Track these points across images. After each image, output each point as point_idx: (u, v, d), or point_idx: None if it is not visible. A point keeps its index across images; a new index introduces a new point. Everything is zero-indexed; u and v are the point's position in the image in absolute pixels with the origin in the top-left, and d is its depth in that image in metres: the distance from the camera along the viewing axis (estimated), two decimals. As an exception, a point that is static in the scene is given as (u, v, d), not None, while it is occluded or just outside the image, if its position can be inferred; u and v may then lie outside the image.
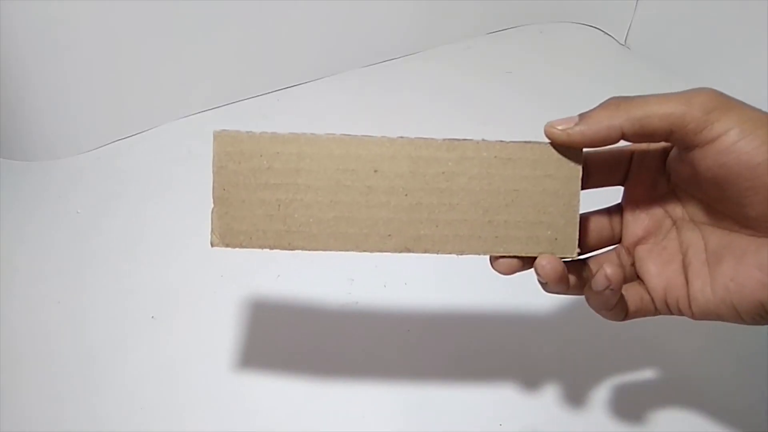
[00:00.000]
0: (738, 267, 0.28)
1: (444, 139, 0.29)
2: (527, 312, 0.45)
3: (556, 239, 0.29)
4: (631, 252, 0.33)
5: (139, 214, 0.54)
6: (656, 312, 0.32)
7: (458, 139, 0.29)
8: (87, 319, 0.46)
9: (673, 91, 0.29)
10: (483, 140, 0.29)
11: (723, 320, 0.29)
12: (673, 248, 0.31)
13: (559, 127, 0.28)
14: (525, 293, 0.46)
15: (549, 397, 0.40)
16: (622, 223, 0.33)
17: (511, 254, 0.29)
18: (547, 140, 0.29)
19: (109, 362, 0.43)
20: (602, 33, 0.74)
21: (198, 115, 0.63)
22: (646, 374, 0.42)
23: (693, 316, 0.30)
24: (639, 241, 0.32)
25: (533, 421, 0.39)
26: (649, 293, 0.32)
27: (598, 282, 0.29)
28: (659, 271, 0.31)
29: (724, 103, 0.27)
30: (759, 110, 0.27)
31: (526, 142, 0.29)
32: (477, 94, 0.65)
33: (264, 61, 0.64)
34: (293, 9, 0.62)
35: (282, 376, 0.43)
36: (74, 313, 0.47)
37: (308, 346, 0.44)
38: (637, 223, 0.32)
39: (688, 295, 0.30)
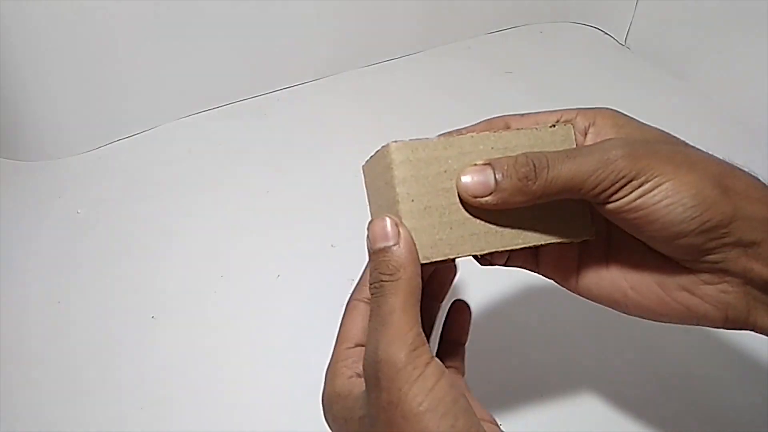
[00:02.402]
0: (638, 277, 0.29)
1: (439, 137, 0.29)
2: (527, 312, 0.45)
3: (568, 222, 0.28)
4: None
5: (139, 213, 0.54)
6: (536, 271, 0.32)
7: (453, 135, 0.29)
8: (87, 319, 0.46)
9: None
10: (477, 133, 0.28)
11: (610, 308, 0.30)
12: None
13: (472, 196, 0.27)
14: (525, 293, 0.46)
15: (549, 397, 0.40)
16: None
17: (530, 244, 0.28)
18: (538, 125, 0.29)
19: (109, 362, 0.43)
20: (602, 33, 0.74)
21: (198, 115, 0.63)
22: (647, 374, 0.42)
23: (575, 292, 0.31)
24: None
25: (533, 421, 0.39)
26: (536, 256, 0.32)
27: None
28: (552, 249, 0.31)
29: (632, 163, 0.25)
30: (677, 151, 0.27)
31: (518, 129, 0.29)
32: (477, 94, 0.65)
33: (264, 61, 0.64)
34: (293, 9, 0.62)
35: (282, 376, 0.43)
36: (74, 312, 0.47)
37: (308, 346, 0.44)
38: None
39: (577, 279, 0.31)
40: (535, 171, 0.26)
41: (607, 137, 0.28)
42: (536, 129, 0.28)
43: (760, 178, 0.27)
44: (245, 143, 0.60)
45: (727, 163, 0.27)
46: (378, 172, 0.28)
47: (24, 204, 0.55)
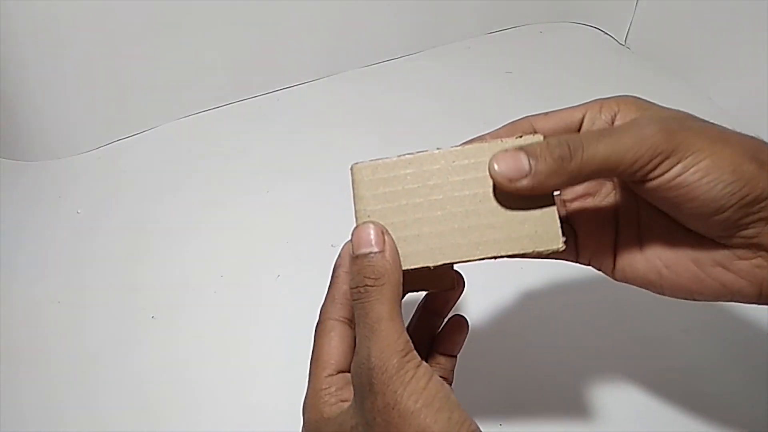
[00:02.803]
0: (673, 256, 0.29)
1: (400, 156, 0.29)
2: (527, 311, 0.45)
3: (536, 232, 0.27)
4: (566, 205, 0.33)
5: (138, 214, 0.54)
6: (576, 261, 0.32)
7: (413, 153, 0.29)
8: (87, 319, 0.46)
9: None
10: (438, 149, 0.28)
11: (645, 289, 0.30)
12: (608, 212, 0.31)
13: (506, 176, 0.26)
14: (525, 293, 0.46)
15: (549, 397, 0.40)
16: None
17: (490, 256, 0.28)
18: (503, 138, 0.28)
19: (109, 362, 0.43)
20: (602, 33, 0.74)
21: (198, 115, 0.63)
22: (647, 375, 0.42)
23: (613, 278, 0.31)
24: (576, 198, 0.32)
25: (533, 421, 0.39)
26: (575, 244, 0.32)
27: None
28: (590, 231, 0.32)
29: (668, 138, 0.25)
30: (707, 126, 0.26)
31: (481, 143, 0.28)
32: (477, 94, 0.65)
33: (264, 61, 0.64)
34: (293, 9, 0.62)
35: (282, 376, 0.43)
36: (74, 313, 0.47)
37: (308, 346, 0.44)
38: None
39: (614, 264, 0.31)
40: (570, 151, 0.25)
41: (636, 116, 0.28)
42: (501, 141, 0.28)
43: None
44: (245, 143, 0.60)
45: (757, 138, 0.27)
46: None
47: (24, 204, 0.55)
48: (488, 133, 0.31)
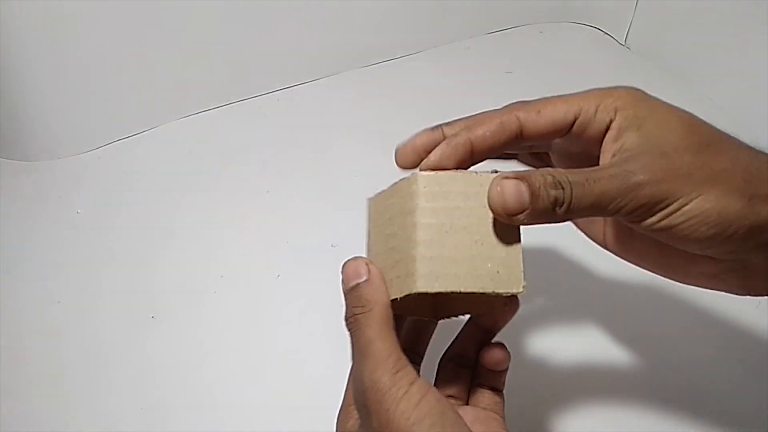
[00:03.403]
0: (665, 257, 0.30)
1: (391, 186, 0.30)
2: (527, 311, 0.45)
3: (498, 273, 0.27)
4: None
5: (139, 214, 0.54)
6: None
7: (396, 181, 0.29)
8: (87, 319, 0.46)
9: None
10: (413, 173, 0.28)
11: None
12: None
13: (507, 213, 0.26)
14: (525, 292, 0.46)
15: (549, 397, 0.40)
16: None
17: (449, 290, 0.26)
18: (481, 170, 0.28)
19: (109, 362, 0.43)
20: (602, 33, 0.74)
21: (198, 115, 0.63)
22: (647, 373, 0.42)
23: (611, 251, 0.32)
24: None
25: (533, 421, 0.39)
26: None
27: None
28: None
29: (654, 187, 0.25)
30: (699, 164, 0.26)
31: (456, 171, 0.28)
32: (477, 94, 0.65)
33: (264, 61, 0.64)
34: (293, 9, 0.62)
35: (282, 376, 0.43)
36: (74, 312, 0.47)
37: (308, 346, 0.44)
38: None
39: (605, 245, 0.32)
40: (563, 195, 0.25)
41: (629, 138, 0.27)
42: (476, 174, 0.28)
43: None
44: (245, 143, 0.60)
45: (757, 159, 0.26)
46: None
47: (24, 204, 0.55)
48: (472, 129, 0.30)
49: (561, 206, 0.25)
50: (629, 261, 0.32)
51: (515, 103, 0.30)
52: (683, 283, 0.31)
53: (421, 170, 0.29)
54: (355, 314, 0.27)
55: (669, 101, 0.29)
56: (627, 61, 0.70)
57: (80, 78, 0.56)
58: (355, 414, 0.28)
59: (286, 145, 0.60)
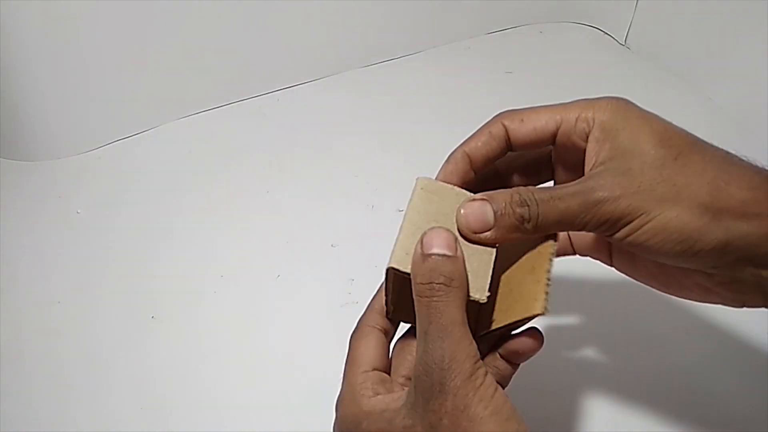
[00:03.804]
0: (660, 271, 0.31)
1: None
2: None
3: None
4: None
5: (139, 213, 0.54)
6: (574, 253, 0.35)
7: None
8: (87, 319, 0.46)
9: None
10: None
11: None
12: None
13: (472, 231, 0.28)
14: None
15: (549, 397, 0.40)
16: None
17: None
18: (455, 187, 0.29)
19: (109, 362, 0.43)
20: (602, 33, 0.74)
21: (198, 115, 0.63)
22: (647, 374, 0.42)
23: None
24: None
25: (532, 421, 0.39)
26: (570, 239, 0.35)
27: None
28: (584, 234, 0.34)
29: (614, 205, 0.26)
30: (660, 181, 0.26)
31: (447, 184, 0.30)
32: (477, 94, 0.65)
33: (264, 61, 0.64)
34: (293, 9, 0.62)
35: (282, 376, 0.43)
36: (74, 313, 0.47)
37: (308, 346, 0.44)
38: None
39: (611, 260, 0.34)
40: (529, 213, 0.27)
41: (603, 148, 0.28)
42: (458, 190, 0.29)
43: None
44: (245, 143, 0.60)
45: (727, 172, 0.26)
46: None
47: (24, 204, 0.55)
48: (464, 143, 0.31)
49: (528, 222, 0.27)
50: (634, 278, 0.33)
51: (503, 112, 0.31)
52: (682, 297, 0.32)
53: None
54: (441, 283, 0.26)
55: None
56: (627, 61, 0.70)
57: (80, 78, 0.56)
58: (380, 390, 0.28)
59: (286, 145, 0.60)
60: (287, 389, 0.42)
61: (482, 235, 0.27)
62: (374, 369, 0.30)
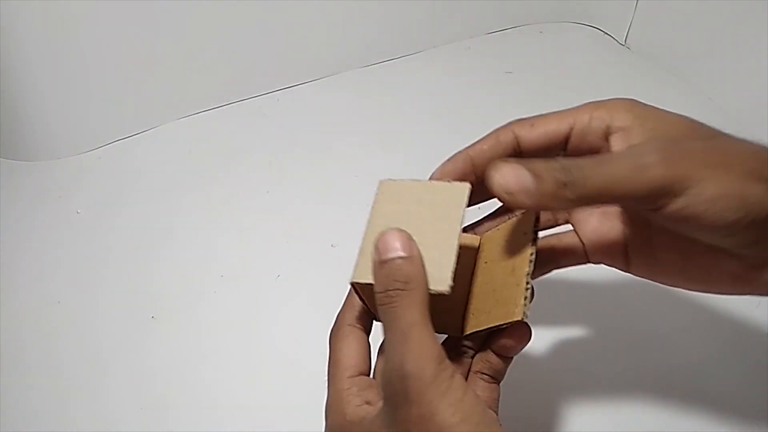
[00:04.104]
0: (685, 265, 0.29)
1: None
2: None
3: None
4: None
5: (139, 213, 0.54)
6: (587, 262, 0.32)
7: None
8: (87, 319, 0.46)
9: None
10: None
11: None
12: (615, 216, 0.31)
13: (507, 192, 0.24)
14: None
15: (549, 396, 0.40)
16: None
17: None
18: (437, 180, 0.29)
19: (109, 362, 0.43)
20: (602, 33, 0.74)
21: (198, 115, 0.63)
22: (647, 374, 0.42)
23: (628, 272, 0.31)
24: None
25: (532, 420, 0.39)
26: (583, 246, 0.32)
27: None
28: (599, 238, 0.32)
29: (669, 170, 0.24)
30: (709, 148, 0.25)
31: (415, 180, 0.29)
32: (477, 94, 0.65)
33: (264, 61, 0.64)
34: (293, 9, 0.62)
35: (282, 376, 0.43)
36: (74, 313, 0.47)
37: (308, 346, 0.44)
38: None
39: (628, 266, 0.31)
40: (572, 176, 0.24)
41: (633, 134, 0.27)
42: (431, 183, 0.29)
43: None
44: (245, 143, 0.60)
45: (762, 148, 0.26)
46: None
47: (24, 204, 0.55)
48: (470, 146, 0.30)
49: (570, 187, 0.24)
50: (653, 279, 0.31)
51: (514, 120, 0.30)
52: (708, 291, 0.29)
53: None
54: (397, 289, 0.25)
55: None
56: (627, 61, 0.70)
57: (80, 78, 0.56)
58: (369, 396, 0.27)
59: (286, 145, 0.60)
60: (287, 389, 0.42)
61: (519, 198, 0.24)
62: (360, 373, 0.29)
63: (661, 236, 0.29)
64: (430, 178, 0.31)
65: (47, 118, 0.57)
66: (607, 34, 0.74)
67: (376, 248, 0.26)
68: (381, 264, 0.26)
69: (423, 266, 0.26)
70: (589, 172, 0.24)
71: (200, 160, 0.59)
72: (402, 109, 0.64)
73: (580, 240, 0.33)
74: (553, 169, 0.24)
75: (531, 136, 0.29)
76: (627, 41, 0.72)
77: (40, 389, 0.42)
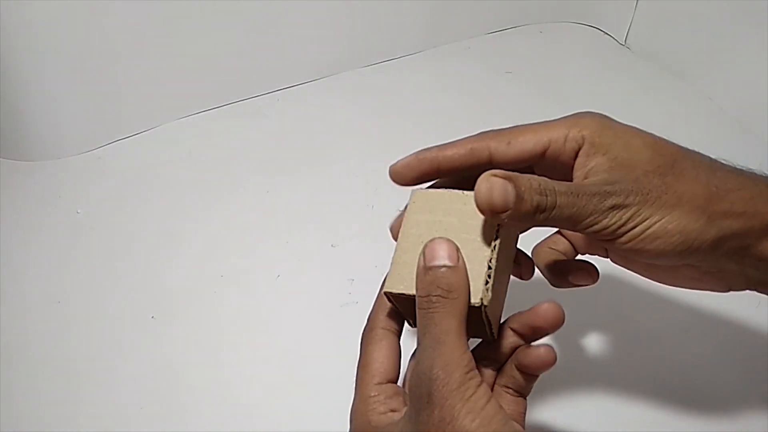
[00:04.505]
0: (649, 264, 0.32)
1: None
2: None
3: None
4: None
5: (138, 214, 0.54)
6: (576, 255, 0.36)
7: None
8: (87, 318, 0.46)
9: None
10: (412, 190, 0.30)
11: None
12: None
13: (490, 208, 0.26)
14: (524, 293, 0.46)
15: (548, 396, 0.40)
16: None
17: (408, 293, 0.28)
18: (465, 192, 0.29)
19: (109, 362, 0.43)
20: (602, 33, 0.74)
21: (198, 115, 0.63)
22: (647, 374, 0.42)
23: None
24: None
25: (533, 421, 0.39)
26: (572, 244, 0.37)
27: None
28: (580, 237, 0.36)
29: (621, 211, 0.27)
30: (663, 188, 0.28)
31: (446, 190, 0.30)
32: (477, 94, 0.65)
33: (264, 61, 0.64)
34: (293, 9, 0.62)
35: (282, 376, 0.43)
36: (74, 312, 0.47)
37: (308, 346, 0.44)
38: None
39: (607, 255, 0.35)
40: (546, 201, 0.26)
41: (598, 160, 0.29)
42: (462, 193, 0.29)
43: (756, 172, 0.30)
44: (245, 143, 0.60)
45: (716, 176, 0.28)
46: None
47: (24, 204, 0.55)
48: (441, 148, 0.31)
49: (542, 212, 0.26)
50: (629, 269, 0.34)
51: (488, 131, 0.31)
52: (672, 285, 0.33)
53: (391, 177, 0.31)
54: (439, 296, 0.26)
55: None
56: (627, 61, 0.70)
57: (80, 78, 0.56)
58: (394, 405, 0.28)
59: (286, 145, 0.60)
60: (287, 389, 0.42)
61: (499, 215, 0.26)
62: (389, 381, 0.29)
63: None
64: (392, 168, 0.32)
65: (47, 118, 0.57)
66: (607, 34, 0.74)
67: (423, 255, 0.27)
68: (426, 270, 0.27)
69: (467, 278, 0.27)
70: (564, 201, 0.26)
71: (200, 160, 0.59)
72: (402, 109, 0.64)
73: (568, 240, 0.37)
74: (533, 190, 0.26)
75: (507, 155, 0.30)
76: (627, 41, 0.72)
77: (41, 389, 0.42)
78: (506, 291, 0.31)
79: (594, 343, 0.43)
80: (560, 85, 0.67)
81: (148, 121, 0.62)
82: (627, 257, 0.33)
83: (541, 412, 0.40)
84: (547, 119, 0.30)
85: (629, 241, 0.27)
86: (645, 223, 0.27)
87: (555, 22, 0.76)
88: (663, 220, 0.27)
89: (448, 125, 0.60)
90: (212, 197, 0.55)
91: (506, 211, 0.25)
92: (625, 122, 0.30)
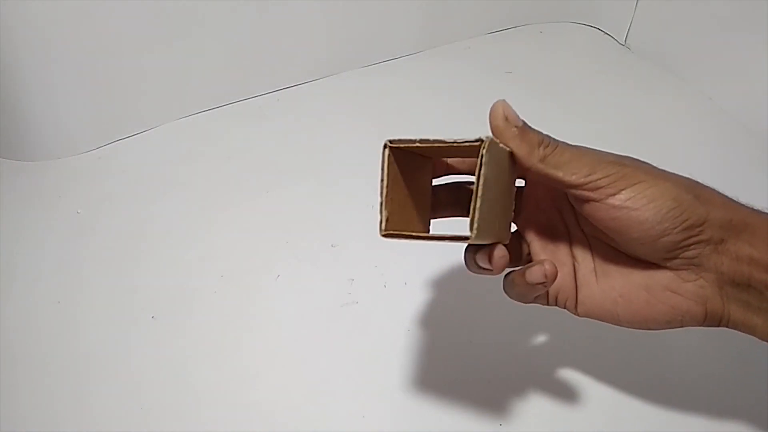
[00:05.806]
0: (626, 284, 0.32)
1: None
2: (527, 312, 0.45)
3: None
4: (524, 236, 0.35)
5: (138, 214, 0.54)
6: (546, 303, 0.34)
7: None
8: (87, 319, 0.46)
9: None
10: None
11: (605, 322, 0.33)
12: (564, 253, 0.34)
13: (504, 116, 0.29)
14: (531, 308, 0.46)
15: (549, 396, 0.40)
16: (518, 205, 0.34)
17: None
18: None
19: (109, 362, 0.43)
20: (602, 33, 0.74)
21: (198, 115, 0.63)
22: (647, 375, 0.42)
23: (576, 315, 0.33)
24: (533, 232, 0.35)
25: (533, 421, 0.39)
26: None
27: (535, 275, 0.30)
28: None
29: (619, 169, 0.29)
30: (649, 165, 0.30)
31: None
32: (477, 94, 0.65)
33: (264, 61, 0.64)
34: (293, 9, 0.62)
35: (282, 376, 0.43)
36: (74, 313, 0.47)
37: (308, 346, 0.44)
38: (532, 215, 0.35)
39: (576, 298, 0.33)
40: (549, 140, 0.29)
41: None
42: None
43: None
44: (245, 143, 0.60)
45: (692, 179, 0.31)
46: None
47: (24, 204, 0.55)
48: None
49: (545, 147, 0.29)
50: (597, 316, 0.33)
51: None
52: (648, 327, 0.32)
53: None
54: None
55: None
56: (627, 61, 0.70)
57: (80, 78, 0.56)
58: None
59: (286, 145, 0.60)
60: (287, 389, 0.42)
61: (509, 130, 0.29)
62: None
63: (603, 259, 0.33)
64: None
65: (47, 118, 0.57)
66: (607, 34, 0.74)
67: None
68: (523, 129, 0.29)
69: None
70: (565, 146, 0.29)
71: (200, 160, 0.59)
72: (402, 110, 0.64)
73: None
74: (537, 132, 0.29)
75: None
76: (627, 41, 0.72)
77: (40, 389, 0.42)
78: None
79: (593, 343, 0.43)
80: (560, 85, 0.67)
81: (148, 121, 0.62)
82: (615, 237, 0.32)
83: (542, 411, 0.40)
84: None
85: (628, 199, 0.28)
86: (641, 185, 0.28)
87: (555, 22, 0.76)
88: (658, 186, 0.29)
89: (448, 125, 0.60)
90: (212, 197, 0.55)
91: (516, 126, 0.29)
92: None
